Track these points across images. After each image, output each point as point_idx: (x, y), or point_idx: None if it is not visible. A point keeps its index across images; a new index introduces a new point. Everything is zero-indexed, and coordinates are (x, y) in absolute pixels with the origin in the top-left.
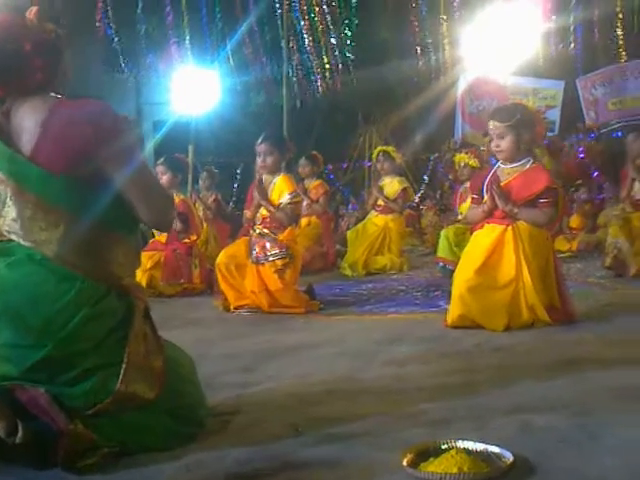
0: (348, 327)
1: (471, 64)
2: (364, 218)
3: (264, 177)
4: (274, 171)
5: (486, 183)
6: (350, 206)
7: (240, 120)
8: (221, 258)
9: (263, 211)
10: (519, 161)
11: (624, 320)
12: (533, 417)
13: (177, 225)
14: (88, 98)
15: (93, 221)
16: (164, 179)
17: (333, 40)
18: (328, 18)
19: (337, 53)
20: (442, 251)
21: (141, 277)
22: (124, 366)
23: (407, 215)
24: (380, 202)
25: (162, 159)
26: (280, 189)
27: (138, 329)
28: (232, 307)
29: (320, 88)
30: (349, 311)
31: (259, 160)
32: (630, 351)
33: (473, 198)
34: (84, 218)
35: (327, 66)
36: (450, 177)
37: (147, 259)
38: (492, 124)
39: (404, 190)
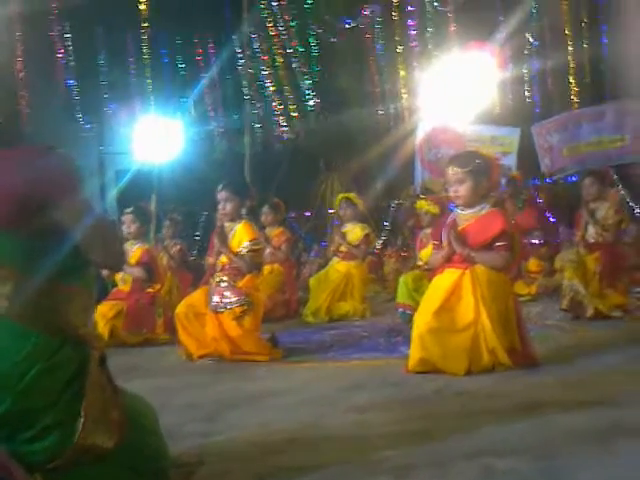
0: (311, 374)
1: (429, 112)
2: (326, 265)
3: (225, 224)
4: (234, 218)
5: (445, 229)
6: (312, 253)
7: (203, 168)
8: (180, 308)
9: (223, 258)
10: (476, 206)
11: (583, 362)
12: (495, 461)
13: (141, 275)
14: (26, 146)
15: (46, 275)
16: (132, 228)
17: (292, 90)
18: (291, 66)
19: (298, 101)
20: (401, 297)
21: (103, 327)
22: (82, 420)
23: (369, 262)
24: (342, 248)
25: (131, 209)
26: (240, 236)
27: (94, 379)
28: (195, 356)
29: (283, 135)
30: (312, 358)
31: (220, 207)
32: (590, 393)
33: (434, 244)
34: (34, 273)
35: (291, 114)
36: (410, 224)
37: (109, 309)
38: (451, 170)
39: (366, 236)
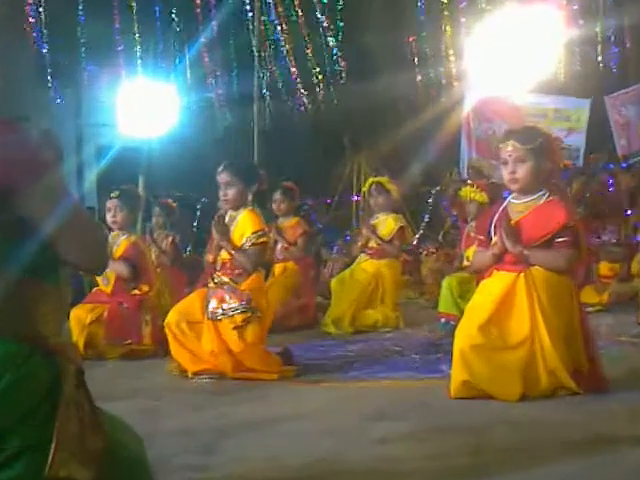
0: (330, 397)
1: (479, 79)
2: (352, 263)
3: (227, 213)
4: (238, 206)
5: (494, 221)
6: (334, 249)
7: (202, 145)
8: (171, 316)
9: (224, 254)
10: (534, 194)
11: None
12: None
13: (126, 272)
14: None
15: (9, 270)
16: (118, 217)
17: (312, 51)
18: (312, 21)
19: (319, 65)
20: (444, 304)
21: (79, 335)
22: (53, 446)
23: (404, 261)
24: (372, 244)
25: (116, 192)
26: (242, 227)
27: (69, 398)
28: (190, 373)
29: (300, 106)
30: (332, 377)
31: (221, 192)
32: None
33: (480, 240)
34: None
35: (311, 80)
36: (455, 215)
37: (87, 313)
38: (511, 145)
39: (401, 229)
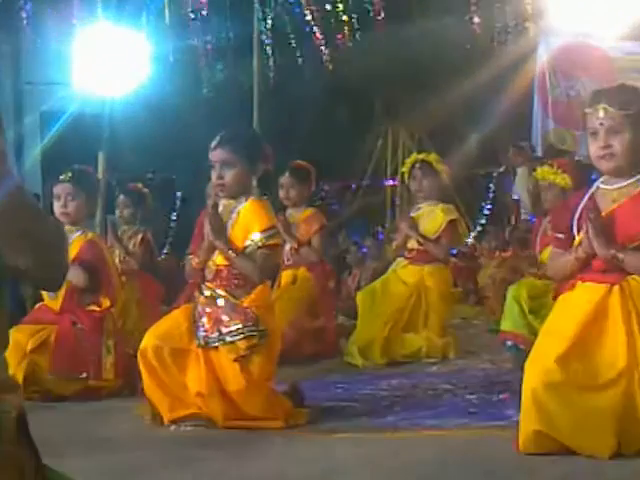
0: (354, 453)
1: (558, 21)
2: (385, 271)
3: (222, 203)
4: (238, 193)
5: (578, 214)
6: (362, 251)
7: (183, 110)
8: (148, 340)
9: (218, 258)
10: (632, 177)
11: None
12: None
13: (81, 281)
14: None
15: None
16: (70, 207)
17: None
18: None
19: (342, 3)
20: (510, 321)
21: (17, 366)
22: None
23: (455, 267)
24: (412, 244)
25: (67, 174)
26: (246, 222)
27: (8, 453)
28: (166, 419)
29: (317, 59)
30: (358, 425)
31: (214, 175)
32: None
33: (557, 239)
34: None
35: (331, 23)
36: (525, 204)
37: (27, 337)
38: (602, 110)
39: (452, 224)
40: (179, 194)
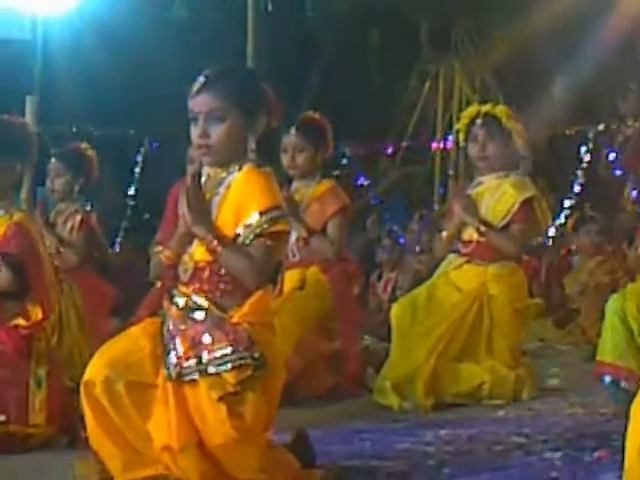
0: None
1: None
2: (432, 273)
3: (205, 171)
4: (229, 158)
5: None
6: (400, 243)
7: (147, 38)
8: (95, 369)
9: (198, 252)
10: None
11: None
12: None
13: (2, 282)
14: None
15: None
16: None
17: None
18: None
19: None
20: (610, 347)
21: None
22: None
23: (530, 268)
24: (470, 234)
25: None
26: (240, 200)
27: None
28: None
29: None
30: None
31: (195, 132)
32: None
33: None
34: None
35: None
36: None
37: None
38: None
39: (527, 206)
40: (140, 158)
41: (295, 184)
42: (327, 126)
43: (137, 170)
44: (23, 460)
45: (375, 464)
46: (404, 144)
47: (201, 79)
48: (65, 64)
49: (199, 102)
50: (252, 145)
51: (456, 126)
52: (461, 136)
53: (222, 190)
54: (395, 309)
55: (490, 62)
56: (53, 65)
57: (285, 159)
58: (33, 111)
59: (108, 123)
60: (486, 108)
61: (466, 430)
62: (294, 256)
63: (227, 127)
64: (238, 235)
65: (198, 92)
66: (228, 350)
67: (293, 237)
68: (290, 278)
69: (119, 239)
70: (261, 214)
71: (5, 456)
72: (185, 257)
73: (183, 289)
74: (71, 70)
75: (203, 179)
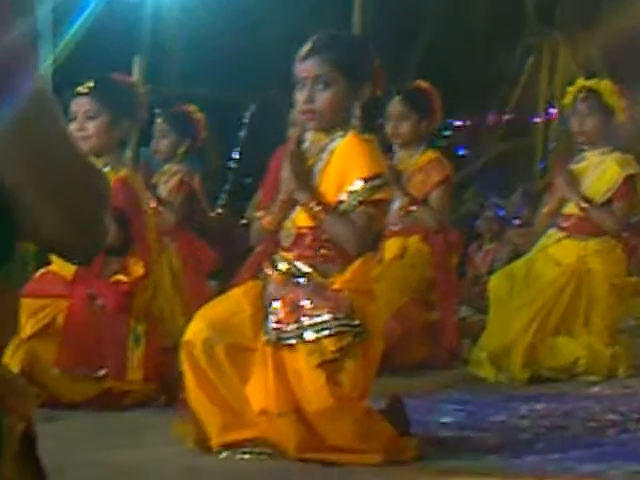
0: None
1: None
2: (531, 247)
3: (308, 137)
4: (334, 124)
5: None
6: (500, 216)
7: (257, 5)
8: (196, 329)
9: (300, 218)
10: None
11: None
12: None
13: (108, 235)
14: None
15: None
16: (91, 129)
17: None
18: None
19: None
20: None
21: (10, 358)
22: None
23: (627, 243)
24: (571, 209)
25: (89, 85)
26: (344, 166)
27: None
28: (217, 442)
29: None
30: (485, 465)
31: (300, 97)
32: None
33: None
34: None
35: None
36: None
37: (26, 316)
38: None
39: (630, 182)
40: (246, 121)
41: (398, 153)
42: (433, 95)
43: (241, 133)
44: (121, 418)
45: (469, 435)
46: (506, 117)
47: (309, 44)
48: (174, 25)
49: (306, 67)
50: (357, 112)
51: (562, 101)
52: (565, 110)
53: (325, 156)
54: (493, 281)
55: (599, 37)
56: (162, 26)
57: (389, 127)
58: (140, 72)
59: (214, 85)
60: (590, 83)
61: (561, 405)
62: (395, 225)
63: (333, 93)
64: (341, 202)
65: (305, 57)
66: (328, 317)
67: (395, 206)
68: (391, 247)
69: (221, 203)
70: (365, 181)
71: (102, 413)
72: (287, 223)
73: (285, 254)
74: (179, 31)
75: (306, 144)
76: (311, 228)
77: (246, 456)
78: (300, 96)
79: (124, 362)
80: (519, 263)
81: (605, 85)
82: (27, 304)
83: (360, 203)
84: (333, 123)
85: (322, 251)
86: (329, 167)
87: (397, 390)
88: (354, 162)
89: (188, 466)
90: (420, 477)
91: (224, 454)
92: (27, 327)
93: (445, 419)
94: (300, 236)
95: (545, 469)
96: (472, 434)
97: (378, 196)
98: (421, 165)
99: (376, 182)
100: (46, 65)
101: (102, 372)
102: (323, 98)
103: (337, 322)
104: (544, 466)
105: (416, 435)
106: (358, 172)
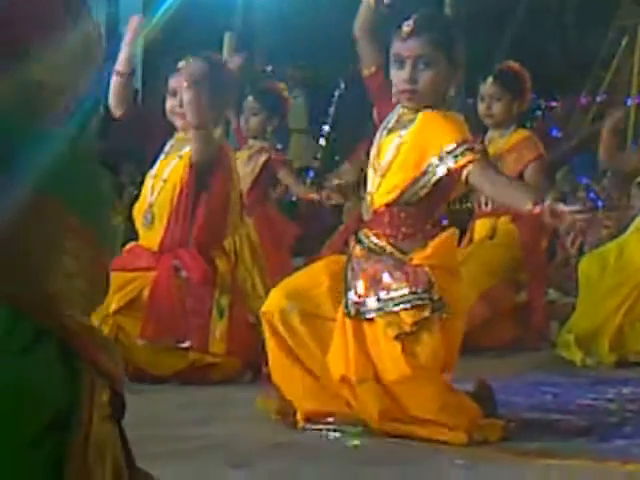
0: None
1: None
2: (623, 230)
3: (397, 110)
4: (431, 104)
5: None
6: (592, 197)
7: None
8: (274, 299)
9: (380, 194)
10: None
11: None
12: None
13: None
14: None
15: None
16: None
17: None
18: None
19: None
20: None
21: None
22: None
23: None
24: None
25: (189, 59)
26: (427, 137)
27: (98, 442)
28: (300, 417)
29: None
30: (573, 448)
31: (400, 76)
32: None
33: None
34: None
35: None
36: None
37: (113, 291)
38: None
39: None
40: (336, 95)
41: (490, 134)
42: (525, 76)
43: (331, 110)
44: (209, 393)
45: (556, 418)
46: (598, 99)
47: (410, 23)
48: (264, 2)
49: (409, 46)
50: (451, 93)
51: None
52: None
53: (404, 133)
54: (584, 263)
55: None
56: (253, 2)
57: (481, 107)
58: (231, 49)
59: (303, 63)
60: None
61: None
62: (486, 205)
63: (435, 74)
64: (425, 172)
65: (408, 36)
66: (406, 291)
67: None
68: (481, 227)
69: (309, 180)
70: (456, 144)
71: (188, 387)
72: (367, 200)
73: (367, 231)
74: (270, 9)
75: (394, 118)
76: (388, 205)
77: (331, 431)
78: (400, 75)
79: (207, 334)
80: (611, 245)
81: None
82: (114, 278)
83: (452, 169)
84: (432, 104)
85: (402, 229)
86: (417, 140)
87: (484, 371)
88: (439, 130)
89: (271, 441)
90: (506, 459)
91: (311, 428)
92: (113, 302)
93: (532, 401)
94: (378, 215)
95: (633, 453)
96: (559, 416)
97: (465, 159)
98: (513, 144)
99: (464, 147)
100: (137, 42)
101: (186, 344)
102: (425, 78)
103: (415, 296)
104: (631, 450)
105: (502, 417)
106: (442, 138)
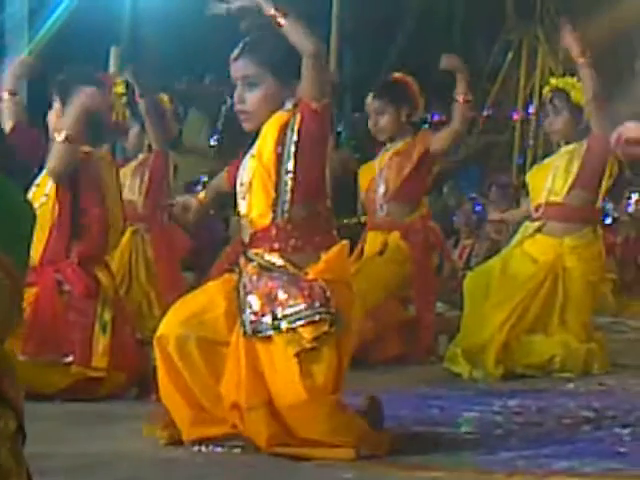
0: None
1: None
2: (508, 241)
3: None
4: (260, 119)
5: None
6: (478, 210)
7: None
8: (169, 325)
9: (257, 215)
10: None
11: None
12: None
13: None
14: None
15: None
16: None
17: None
18: None
19: None
20: None
21: None
22: None
23: (604, 240)
24: (545, 197)
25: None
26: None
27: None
28: (188, 437)
29: None
30: (459, 461)
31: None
32: None
33: None
34: None
35: None
36: None
37: None
38: None
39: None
40: (224, 109)
41: (388, 146)
42: (409, 83)
43: (219, 124)
44: (95, 410)
45: (443, 431)
46: (485, 113)
47: (239, 46)
48: (152, 17)
49: (236, 68)
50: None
51: (540, 97)
52: (541, 107)
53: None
54: (468, 281)
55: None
56: (140, 18)
57: (370, 123)
58: (117, 62)
59: (192, 77)
60: (559, 82)
61: (535, 402)
62: (378, 215)
63: (261, 94)
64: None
65: (235, 59)
66: (302, 306)
67: (380, 191)
68: (372, 241)
69: (198, 188)
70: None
71: (72, 404)
72: (244, 223)
73: (255, 250)
74: (158, 23)
75: None
76: (272, 220)
77: (218, 449)
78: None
79: (90, 348)
80: (495, 260)
81: (570, 83)
82: None
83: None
84: (266, 121)
85: (291, 242)
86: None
87: (373, 385)
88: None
89: (169, 457)
90: (393, 472)
91: (196, 448)
92: None
93: (419, 414)
94: (263, 231)
95: (518, 465)
96: (446, 430)
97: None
98: (401, 150)
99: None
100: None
101: (68, 359)
102: (252, 98)
103: (312, 311)
104: (517, 462)
105: (390, 430)
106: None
